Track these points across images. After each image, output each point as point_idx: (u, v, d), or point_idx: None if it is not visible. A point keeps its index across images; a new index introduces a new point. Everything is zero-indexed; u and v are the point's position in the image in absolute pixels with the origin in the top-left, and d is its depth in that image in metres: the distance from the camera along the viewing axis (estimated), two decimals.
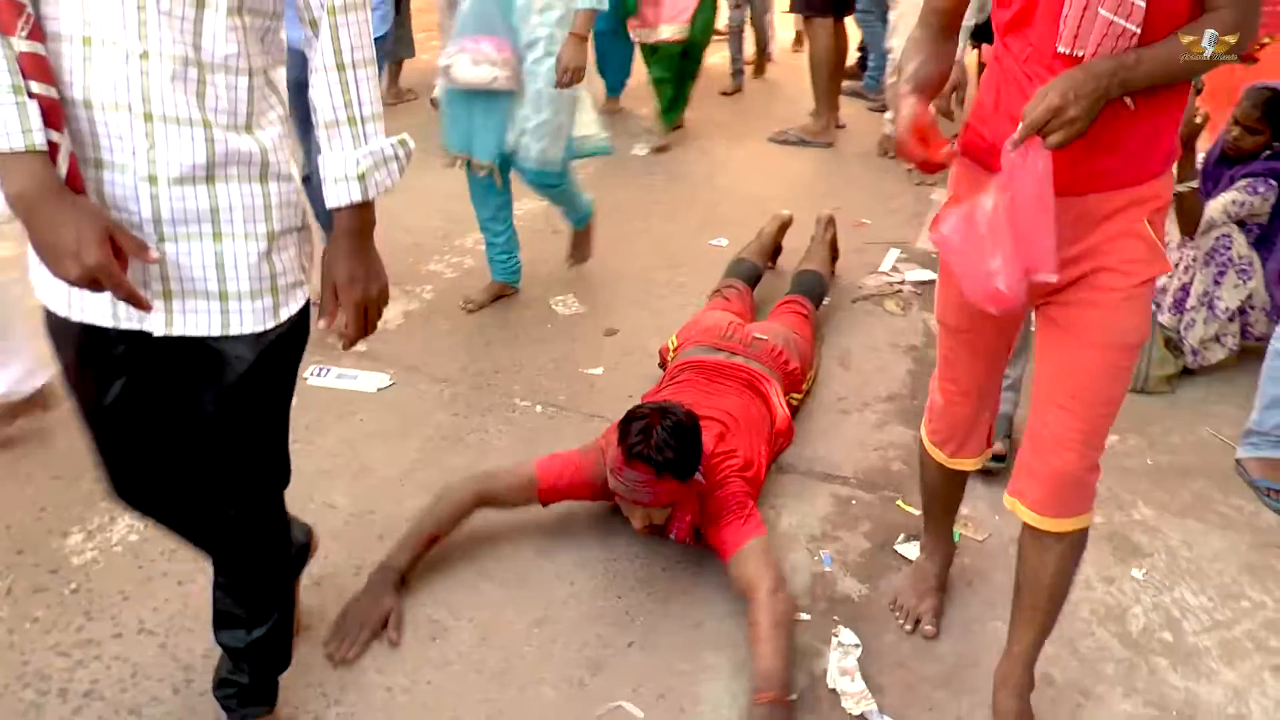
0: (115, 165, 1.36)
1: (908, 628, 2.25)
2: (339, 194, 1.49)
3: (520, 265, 3.66)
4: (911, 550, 2.50)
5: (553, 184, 3.41)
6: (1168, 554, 2.53)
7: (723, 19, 6.77)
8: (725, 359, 2.85)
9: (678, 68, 5.40)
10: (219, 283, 1.45)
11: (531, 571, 2.36)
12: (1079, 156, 1.57)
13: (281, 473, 1.71)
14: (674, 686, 2.07)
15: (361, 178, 1.48)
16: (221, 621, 1.80)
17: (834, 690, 2.08)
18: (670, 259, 4.13)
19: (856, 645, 2.18)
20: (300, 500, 2.53)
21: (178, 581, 2.25)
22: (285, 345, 1.55)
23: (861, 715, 2.03)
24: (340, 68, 1.45)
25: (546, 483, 2.40)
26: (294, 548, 1.97)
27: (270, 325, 1.50)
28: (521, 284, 3.72)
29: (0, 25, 1.26)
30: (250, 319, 1.48)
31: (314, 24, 1.45)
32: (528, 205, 4.29)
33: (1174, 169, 1.72)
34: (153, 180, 1.37)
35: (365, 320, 1.56)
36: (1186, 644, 2.26)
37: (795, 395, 3.01)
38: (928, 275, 4.04)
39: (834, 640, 2.21)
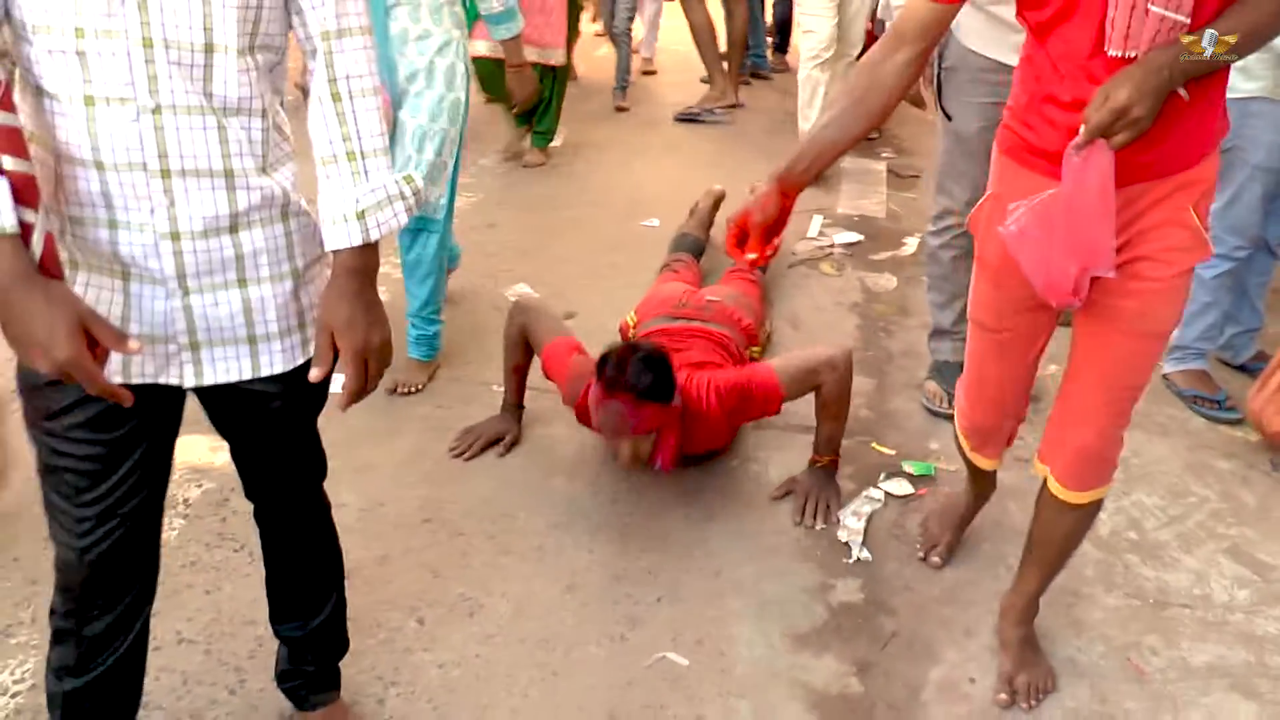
0: (132, 225, 1.31)
1: (920, 555, 2.41)
2: (338, 236, 1.37)
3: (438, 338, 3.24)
4: (893, 486, 2.69)
5: (433, 230, 3.04)
6: (1120, 464, 2.75)
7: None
8: (685, 325, 2.98)
9: (548, 92, 5.00)
10: (248, 328, 1.43)
11: (549, 544, 2.46)
12: (1127, 150, 1.50)
13: (319, 467, 1.75)
14: (709, 632, 2.20)
15: (361, 216, 1.37)
16: (280, 614, 1.84)
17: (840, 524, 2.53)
18: (608, 243, 4.24)
19: (881, 498, 2.64)
20: None
21: (205, 591, 2.26)
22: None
23: (847, 543, 2.47)
24: (336, 98, 1.35)
25: (545, 364, 2.72)
26: None
27: (300, 361, 1.48)
28: (474, 277, 3.78)
29: None
30: (280, 359, 1.46)
31: (313, 53, 1.37)
32: (460, 202, 4.34)
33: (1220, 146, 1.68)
34: (175, 237, 1.32)
35: (365, 373, 1.42)
36: (1149, 540, 2.51)
37: (754, 349, 3.16)
38: (854, 237, 4.26)
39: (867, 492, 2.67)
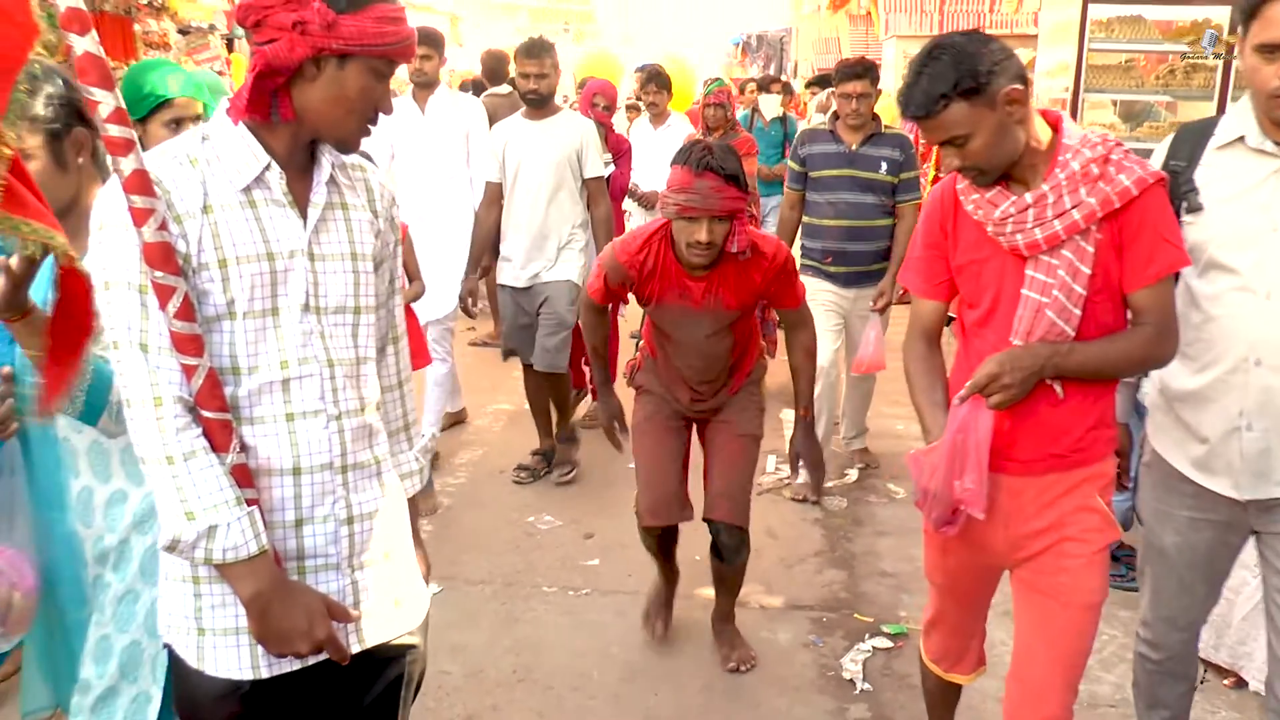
0: (317, 519, 1.54)
1: None
2: (412, 486, 1.80)
3: None
4: (878, 642, 3.43)
5: None
6: None
7: None
8: None
9: None
10: (394, 591, 1.67)
11: (623, 692, 3.12)
12: (1043, 443, 1.92)
13: None
14: None
15: (422, 471, 1.83)
16: None
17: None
18: (609, 478, 5.02)
19: (870, 650, 3.30)
20: None
21: None
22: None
23: (851, 680, 3.17)
24: (400, 385, 1.79)
25: (591, 294, 3.13)
26: None
27: (428, 607, 1.76)
28: (506, 511, 4.50)
29: (215, 446, 1.43)
30: (420, 611, 1.73)
31: (379, 352, 1.72)
32: (466, 455, 5.09)
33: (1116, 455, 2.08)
34: (350, 521, 1.57)
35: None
36: None
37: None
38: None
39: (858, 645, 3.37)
